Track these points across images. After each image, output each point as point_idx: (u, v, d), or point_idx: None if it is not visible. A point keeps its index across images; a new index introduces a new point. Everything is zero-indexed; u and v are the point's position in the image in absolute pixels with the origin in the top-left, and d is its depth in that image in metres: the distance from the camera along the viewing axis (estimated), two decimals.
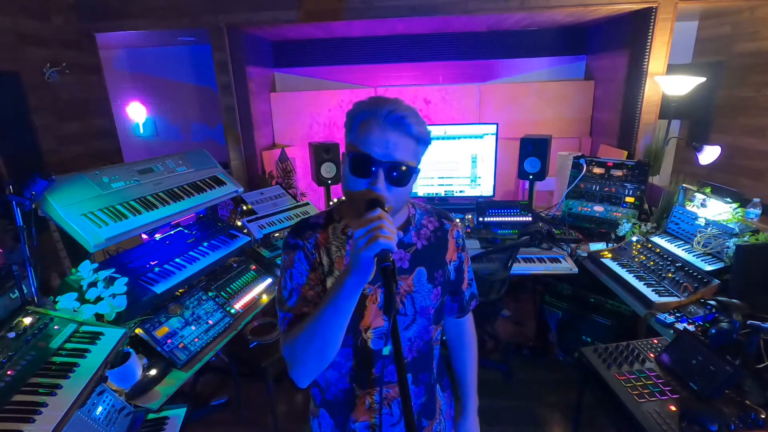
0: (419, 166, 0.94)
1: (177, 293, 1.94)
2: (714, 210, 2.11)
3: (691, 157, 2.88)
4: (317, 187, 3.28)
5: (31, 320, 1.42)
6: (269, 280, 2.28)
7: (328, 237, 0.99)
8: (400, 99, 0.92)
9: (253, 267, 2.32)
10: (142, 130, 3.98)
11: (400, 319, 0.98)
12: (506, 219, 2.73)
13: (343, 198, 0.99)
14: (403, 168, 0.87)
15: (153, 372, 1.59)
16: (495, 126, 2.91)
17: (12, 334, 1.34)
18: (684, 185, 2.33)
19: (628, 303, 2.03)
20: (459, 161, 2.98)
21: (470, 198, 3.03)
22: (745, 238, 1.90)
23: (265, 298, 2.17)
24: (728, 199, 2.09)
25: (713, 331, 1.51)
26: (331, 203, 3.16)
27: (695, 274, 1.92)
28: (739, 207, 2.04)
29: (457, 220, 1.13)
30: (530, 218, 2.73)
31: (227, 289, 2.09)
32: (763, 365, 1.42)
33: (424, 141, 0.92)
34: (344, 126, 0.95)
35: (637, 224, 2.46)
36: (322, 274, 0.96)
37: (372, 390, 0.99)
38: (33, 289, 1.55)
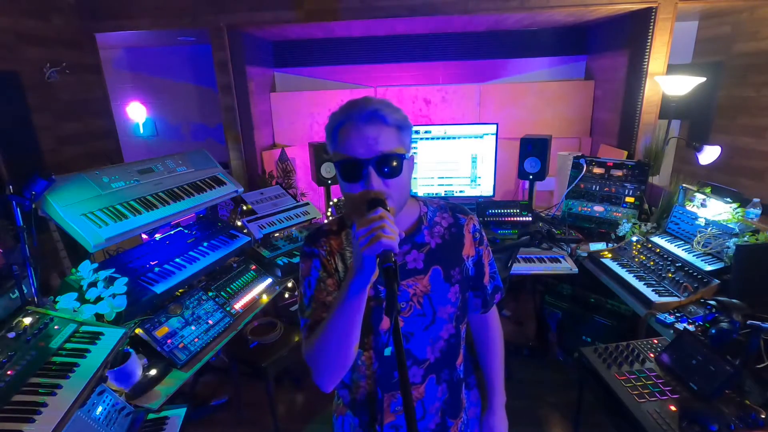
0: (411, 152, 0.93)
1: (177, 293, 1.94)
2: (714, 210, 2.11)
3: (691, 157, 2.88)
4: (317, 187, 3.28)
5: (31, 320, 1.42)
6: (269, 280, 2.28)
7: (342, 243, 0.99)
8: (369, 96, 0.92)
9: (253, 267, 2.32)
10: (142, 130, 3.98)
11: (420, 320, 0.98)
12: (506, 219, 2.73)
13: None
14: (394, 161, 0.87)
15: (153, 372, 1.59)
16: (495, 126, 2.91)
17: (12, 334, 1.34)
18: (684, 185, 2.33)
19: (628, 303, 2.03)
20: (459, 161, 2.98)
21: (470, 198, 3.03)
22: (745, 238, 1.90)
23: (265, 298, 2.17)
24: (728, 199, 2.09)
25: (713, 331, 1.51)
26: (331, 203, 3.16)
27: (695, 274, 1.92)
28: (739, 207, 2.04)
29: (474, 215, 1.09)
30: (530, 218, 2.73)
31: (227, 289, 2.09)
32: (763, 365, 1.42)
33: (404, 126, 0.91)
34: (326, 139, 0.94)
35: (637, 224, 2.46)
36: (339, 280, 0.97)
37: (395, 392, 1.00)
38: (33, 289, 1.55)
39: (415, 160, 0.97)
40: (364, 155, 0.85)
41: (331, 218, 1.15)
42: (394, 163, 0.87)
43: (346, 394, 1.07)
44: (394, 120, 0.88)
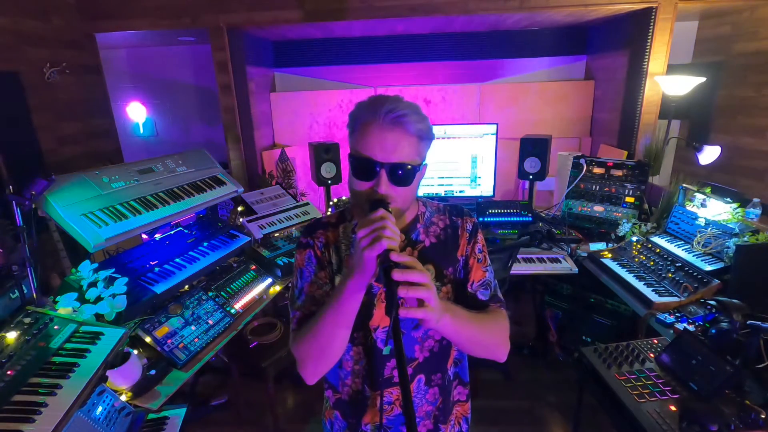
0: (425, 162, 0.94)
1: (177, 293, 1.94)
2: (714, 210, 2.11)
3: (691, 157, 2.87)
4: (317, 187, 3.28)
5: (31, 320, 1.42)
6: (269, 280, 2.28)
7: (338, 236, 0.99)
8: (400, 96, 0.91)
9: (253, 267, 2.31)
10: (142, 130, 3.98)
11: (409, 319, 0.97)
12: (506, 219, 2.73)
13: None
14: (407, 171, 0.87)
15: (153, 372, 1.59)
16: (495, 126, 2.91)
17: (12, 334, 1.34)
18: (684, 185, 2.33)
19: (628, 303, 2.03)
20: (459, 161, 2.98)
21: (470, 198, 3.03)
22: (745, 238, 1.90)
23: (265, 298, 2.17)
24: (728, 199, 2.09)
25: (713, 331, 1.51)
26: (331, 203, 3.16)
27: (695, 274, 1.92)
28: (739, 207, 2.04)
29: (473, 216, 1.07)
30: (530, 218, 2.73)
31: (227, 289, 2.09)
32: (763, 365, 1.42)
33: (426, 137, 0.91)
34: (347, 127, 0.94)
35: (637, 224, 2.46)
36: (332, 273, 0.97)
37: (383, 390, 0.99)
38: (33, 289, 1.55)
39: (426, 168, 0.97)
40: (380, 159, 0.86)
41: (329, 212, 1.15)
42: (407, 172, 0.87)
43: (331, 394, 1.07)
44: (417, 129, 0.87)
